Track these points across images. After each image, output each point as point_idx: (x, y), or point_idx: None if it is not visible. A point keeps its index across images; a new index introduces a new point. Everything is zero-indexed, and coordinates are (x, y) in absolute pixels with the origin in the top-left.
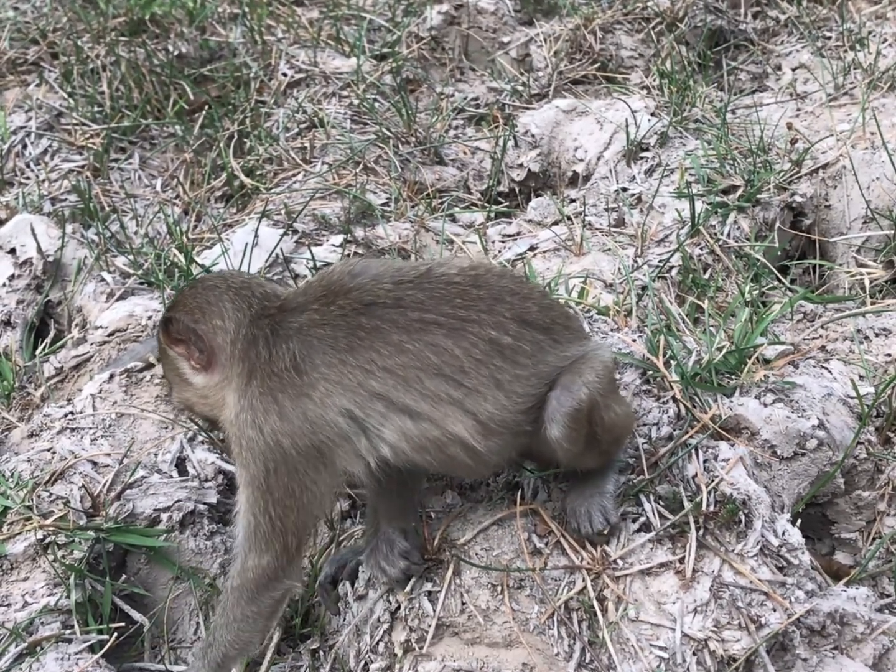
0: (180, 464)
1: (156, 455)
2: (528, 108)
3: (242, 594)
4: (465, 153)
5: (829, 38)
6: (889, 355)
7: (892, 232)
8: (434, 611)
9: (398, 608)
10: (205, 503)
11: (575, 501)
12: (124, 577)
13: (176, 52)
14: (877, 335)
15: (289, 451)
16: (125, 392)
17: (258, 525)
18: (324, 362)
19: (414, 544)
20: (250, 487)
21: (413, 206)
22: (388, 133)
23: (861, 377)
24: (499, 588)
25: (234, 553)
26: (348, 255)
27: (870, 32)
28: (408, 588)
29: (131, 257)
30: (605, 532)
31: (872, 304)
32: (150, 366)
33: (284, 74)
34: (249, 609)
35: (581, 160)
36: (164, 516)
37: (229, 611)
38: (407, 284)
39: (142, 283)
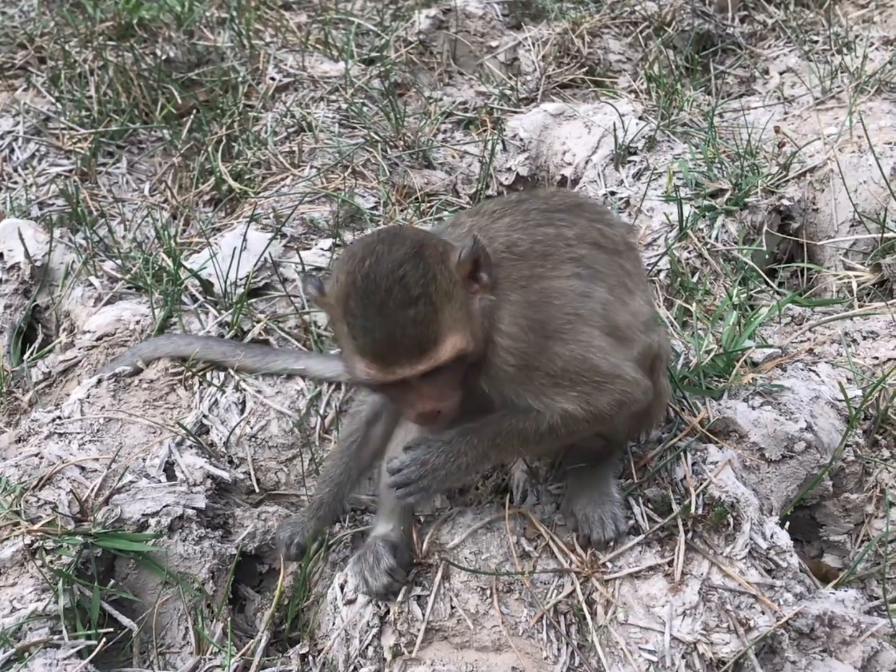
0: (168, 468)
1: (144, 460)
2: (516, 112)
3: (590, 426)
4: (453, 157)
5: (817, 41)
6: (877, 358)
7: (880, 235)
8: (423, 615)
9: (387, 612)
10: (193, 508)
11: (587, 507)
12: (112, 582)
13: (164, 57)
14: (864, 338)
15: (560, 329)
16: (113, 397)
17: (582, 394)
18: (554, 247)
19: (401, 562)
20: (553, 378)
21: (402, 210)
22: (377, 137)
23: (849, 380)
24: (488, 592)
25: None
26: (337, 259)
27: (856, 36)
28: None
29: (119, 262)
30: (614, 540)
31: (860, 307)
32: (138, 371)
33: (273, 79)
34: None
35: (569, 164)
36: (152, 521)
37: (552, 432)
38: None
39: (130, 288)
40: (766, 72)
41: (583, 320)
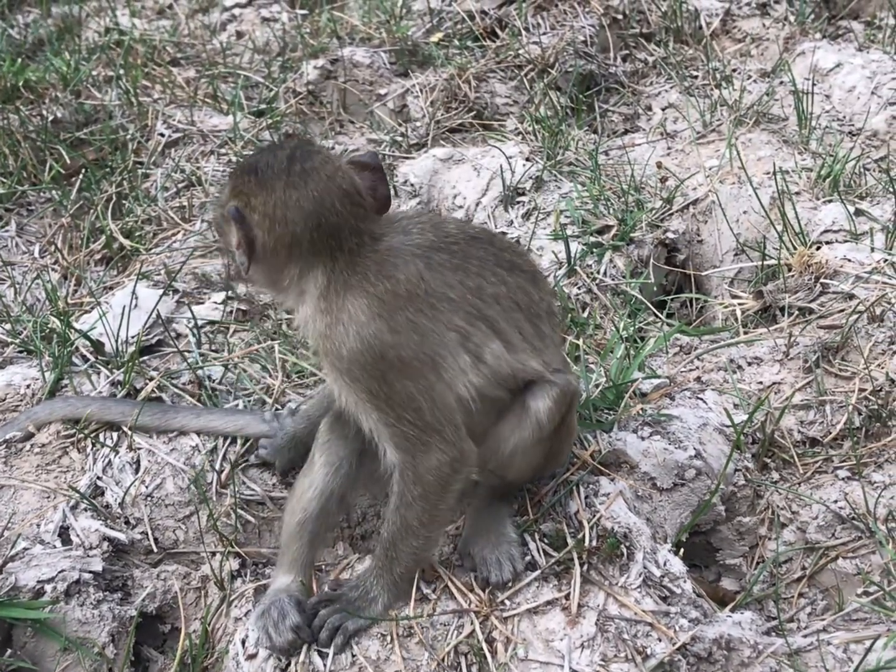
0: (63, 533)
1: (38, 525)
2: (407, 158)
3: (428, 498)
4: None
5: (696, 77)
6: (761, 383)
7: (761, 263)
8: (325, 665)
9: (289, 665)
10: (90, 571)
11: (484, 549)
12: (10, 651)
13: (51, 117)
14: (749, 364)
15: (404, 360)
16: (4, 463)
17: (403, 432)
18: (461, 298)
19: (305, 617)
20: (376, 400)
21: None
22: None
23: (735, 406)
24: (388, 637)
25: (398, 468)
26: (230, 312)
27: (734, 70)
28: None
29: (9, 326)
30: (511, 581)
31: (745, 333)
32: (30, 436)
33: (161, 135)
34: (438, 509)
35: (460, 207)
36: (48, 587)
37: (416, 519)
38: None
39: (21, 352)
40: (649, 108)
41: (429, 372)
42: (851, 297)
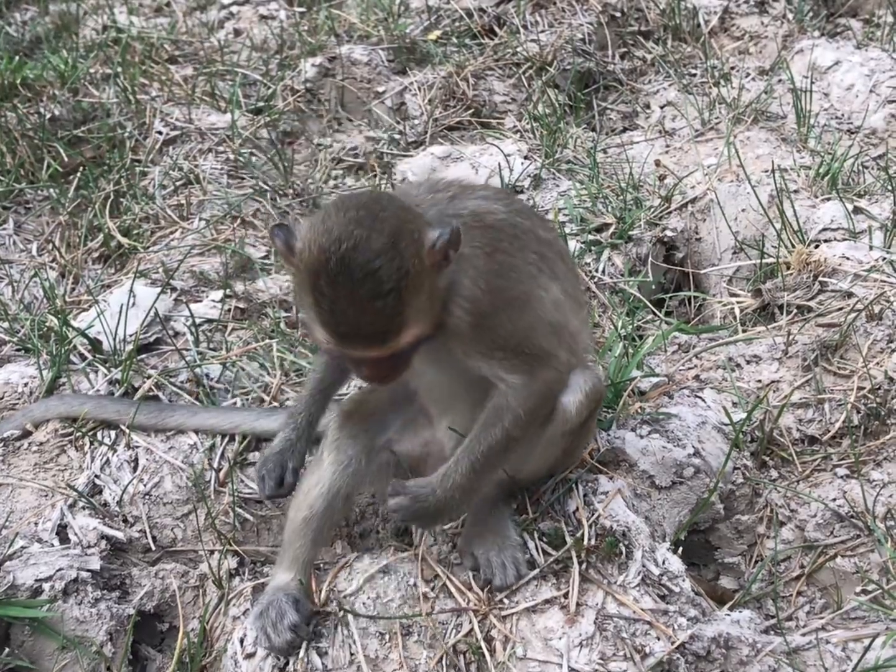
0: (61, 531)
1: (36, 524)
2: (405, 156)
3: (529, 408)
4: None
5: (695, 75)
6: (760, 381)
7: (759, 261)
8: (323, 664)
9: (287, 664)
10: (88, 570)
11: (489, 551)
12: (8, 650)
13: (49, 115)
14: (748, 362)
15: (513, 301)
16: (2, 461)
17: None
18: (525, 235)
19: (303, 617)
20: (498, 344)
21: None
22: (266, 186)
23: (734, 404)
24: (387, 636)
25: (509, 391)
26: (228, 310)
27: (732, 68)
28: None
29: (6, 324)
30: (514, 585)
31: (743, 332)
32: (27, 434)
33: (159, 133)
34: (531, 424)
35: None
36: (46, 586)
37: (512, 426)
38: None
39: (18, 350)
40: (648, 106)
41: (533, 304)
42: (850, 295)
